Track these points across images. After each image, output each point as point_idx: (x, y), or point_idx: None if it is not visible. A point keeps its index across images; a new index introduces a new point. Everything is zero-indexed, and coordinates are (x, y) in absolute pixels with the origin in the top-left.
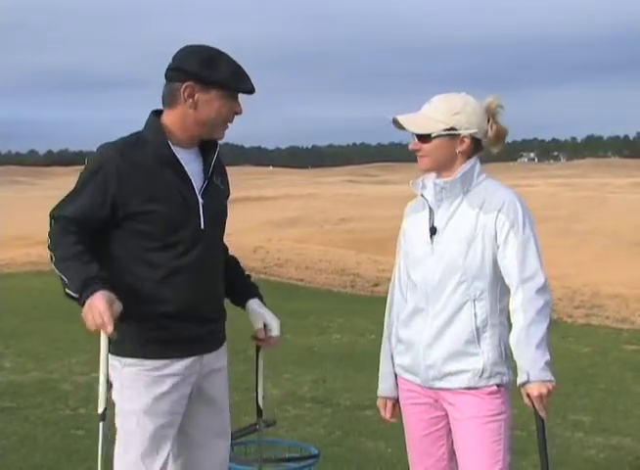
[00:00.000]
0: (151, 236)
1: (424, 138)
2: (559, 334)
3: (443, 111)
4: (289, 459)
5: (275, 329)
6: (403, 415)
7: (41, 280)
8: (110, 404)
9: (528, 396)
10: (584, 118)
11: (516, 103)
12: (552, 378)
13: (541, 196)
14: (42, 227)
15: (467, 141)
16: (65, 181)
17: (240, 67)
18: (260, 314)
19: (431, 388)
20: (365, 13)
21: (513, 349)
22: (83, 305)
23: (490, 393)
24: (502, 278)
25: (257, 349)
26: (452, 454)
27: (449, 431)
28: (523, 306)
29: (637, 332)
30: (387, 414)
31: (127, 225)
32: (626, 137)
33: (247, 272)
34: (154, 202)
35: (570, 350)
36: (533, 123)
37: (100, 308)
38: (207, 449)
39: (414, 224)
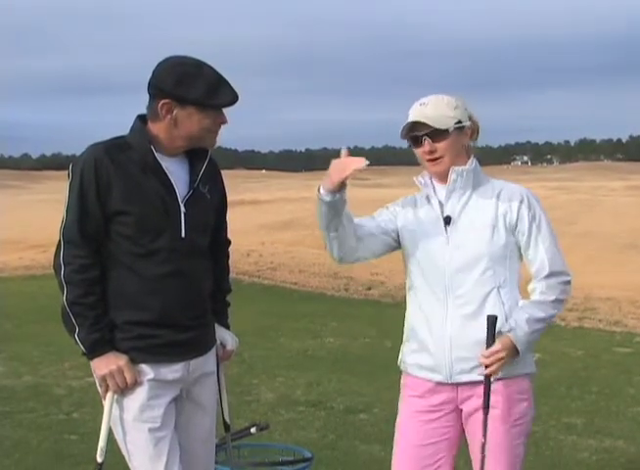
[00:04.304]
0: (131, 240)
1: (437, 137)
2: (552, 337)
3: (445, 106)
4: (282, 463)
5: (228, 343)
6: (404, 420)
7: (34, 284)
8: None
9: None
10: (578, 122)
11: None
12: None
13: None
14: (35, 231)
15: (469, 133)
16: (57, 186)
17: (218, 79)
18: (217, 334)
19: (455, 383)
20: (360, 17)
21: (518, 306)
22: (91, 357)
23: (519, 392)
24: (517, 269)
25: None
26: (450, 464)
27: (453, 444)
28: (542, 289)
29: (630, 335)
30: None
31: (109, 228)
32: (619, 141)
33: (228, 286)
34: (131, 204)
35: (563, 352)
36: (527, 127)
37: (128, 372)
38: (192, 454)
39: (415, 220)
